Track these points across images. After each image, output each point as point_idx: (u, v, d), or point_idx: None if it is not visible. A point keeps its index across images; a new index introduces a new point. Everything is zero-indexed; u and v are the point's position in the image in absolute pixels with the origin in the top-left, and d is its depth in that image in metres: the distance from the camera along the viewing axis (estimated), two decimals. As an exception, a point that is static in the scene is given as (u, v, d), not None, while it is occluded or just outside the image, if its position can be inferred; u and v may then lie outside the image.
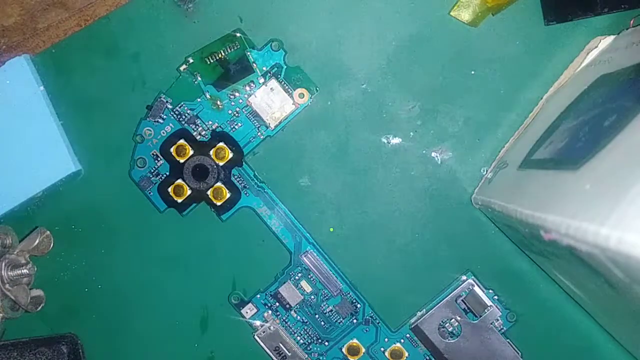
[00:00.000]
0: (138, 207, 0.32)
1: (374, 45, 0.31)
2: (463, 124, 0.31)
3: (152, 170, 0.32)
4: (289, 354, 0.33)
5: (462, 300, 0.32)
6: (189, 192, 0.32)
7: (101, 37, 0.32)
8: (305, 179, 0.32)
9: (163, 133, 0.32)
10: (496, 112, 0.31)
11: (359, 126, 0.32)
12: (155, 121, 0.32)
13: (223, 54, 0.31)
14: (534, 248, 0.27)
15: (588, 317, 0.31)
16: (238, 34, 0.31)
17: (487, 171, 0.31)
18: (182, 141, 0.32)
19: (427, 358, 0.33)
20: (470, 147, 0.31)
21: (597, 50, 0.29)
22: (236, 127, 0.32)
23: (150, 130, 0.32)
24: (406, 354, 0.33)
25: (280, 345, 0.33)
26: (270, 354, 0.33)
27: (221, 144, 0.32)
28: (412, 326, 0.32)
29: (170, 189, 0.32)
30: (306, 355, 0.33)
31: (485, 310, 0.32)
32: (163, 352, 0.34)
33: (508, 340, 0.32)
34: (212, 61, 0.31)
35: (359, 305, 0.33)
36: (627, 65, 0.24)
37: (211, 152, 0.32)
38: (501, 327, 0.32)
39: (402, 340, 0.33)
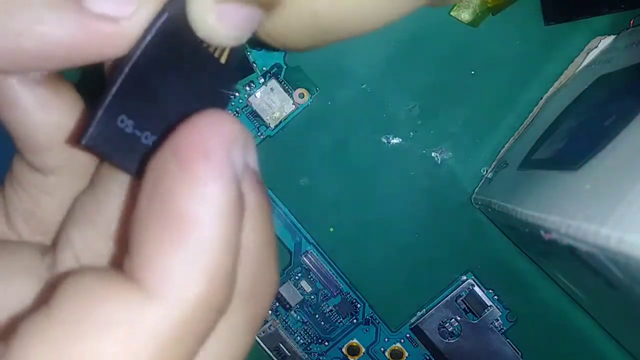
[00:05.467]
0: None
1: (374, 45, 0.31)
2: (463, 124, 0.31)
3: (152, 170, 0.32)
4: (289, 354, 0.33)
5: (462, 300, 0.32)
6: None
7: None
8: (305, 179, 0.32)
9: (163, 133, 0.32)
10: (496, 112, 0.31)
11: (359, 126, 0.32)
12: (155, 121, 0.32)
13: (223, 54, 0.31)
14: (534, 248, 0.27)
15: (588, 317, 0.31)
16: (238, 34, 0.31)
17: (487, 171, 0.31)
18: (182, 141, 0.32)
19: (427, 358, 0.33)
20: (470, 147, 0.31)
21: (597, 50, 0.29)
22: (236, 127, 0.32)
23: (150, 130, 0.32)
24: (406, 354, 0.33)
25: (280, 345, 0.33)
26: (270, 354, 0.33)
27: (221, 144, 0.32)
28: (412, 326, 0.32)
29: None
30: (306, 355, 0.33)
31: (485, 310, 0.32)
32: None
33: (508, 340, 0.32)
34: (212, 61, 0.31)
35: (358, 305, 0.33)
36: (627, 66, 0.24)
37: (211, 152, 0.32)
38: (501, 327, 0.32)
39: (402, 340, 0.33)
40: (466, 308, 0.32)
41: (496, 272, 0.32)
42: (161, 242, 0.11)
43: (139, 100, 0.13)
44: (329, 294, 0.33)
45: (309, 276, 0.33)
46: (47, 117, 0.14)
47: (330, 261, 0.33)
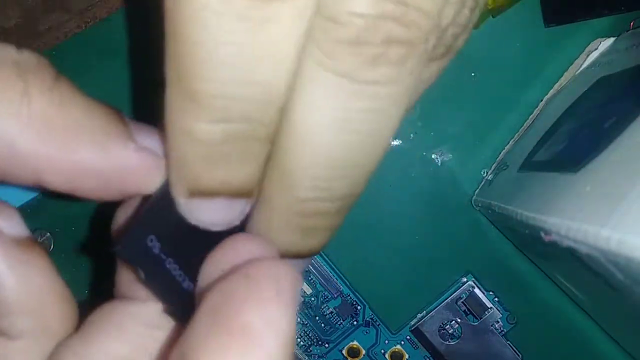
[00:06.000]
0: (138, 208, 0.32)
1: (374, 47, 0.31)
2: (463, 125, 0.31)
3: (153, 172, 0.32)
4: (289, 356, 0.33)
5: (463, 302, 0.32)
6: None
7: (102, 39, 0.32)
8: (306, 181, 0.32)
9: (163, 135, 0.32)
10: (496, 113, 0.31)
11: (359, 128, 0.32)
12: (155, 123, 0.32)
13: (223, 55, 0.31)
14: (534, 250, 0.27)
15: (589, 319, 0.31)
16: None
17: (487, 173, 0.31)
18: (182, 143, 0.32)
19: (428, 360, 0.33)
20: (470, 149, 0.31)
21: (597, 52, 0.29)
22: (236, 128, 0.32)
23: (150, 132, 0.32)
24: (406, 356, 0.33)
25: (281, 347, 0.33)
26: (271, 356, 0.33)
27: (221, 146, 0.32)
28: (413, 328, 0.32)
29: (170, 191, 0.32)
30: (306, 357, 0.33)
31: (486, 312, 0.32)
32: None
33: (508, 342, 0.32)
34: (212, 63, 0.31)
35: (359, 307, 0.33)
36: (627, 67, 0.24)
37: (211, 154, 0.32)
38: (501, 329, 0.32)
39: (402, 342, 0.33)
40: (466, 310, 0.32)
41: (496, 273, 0.32)
42: (223, 352, 0.11)
43: (166, 226, 0.15)
44: (329, 296, 0.33)
45: (309, 278, 0.33)
46: (18, 280, 0.14)
47: (330, 263, 0.33)
